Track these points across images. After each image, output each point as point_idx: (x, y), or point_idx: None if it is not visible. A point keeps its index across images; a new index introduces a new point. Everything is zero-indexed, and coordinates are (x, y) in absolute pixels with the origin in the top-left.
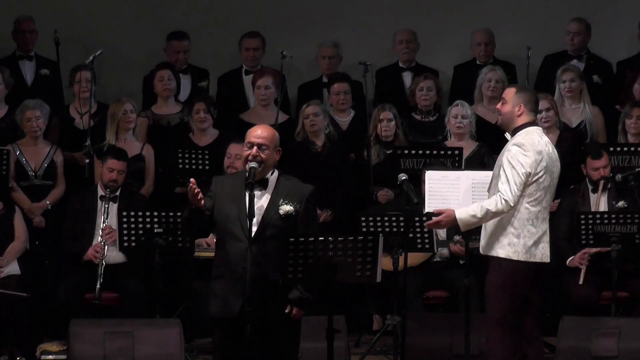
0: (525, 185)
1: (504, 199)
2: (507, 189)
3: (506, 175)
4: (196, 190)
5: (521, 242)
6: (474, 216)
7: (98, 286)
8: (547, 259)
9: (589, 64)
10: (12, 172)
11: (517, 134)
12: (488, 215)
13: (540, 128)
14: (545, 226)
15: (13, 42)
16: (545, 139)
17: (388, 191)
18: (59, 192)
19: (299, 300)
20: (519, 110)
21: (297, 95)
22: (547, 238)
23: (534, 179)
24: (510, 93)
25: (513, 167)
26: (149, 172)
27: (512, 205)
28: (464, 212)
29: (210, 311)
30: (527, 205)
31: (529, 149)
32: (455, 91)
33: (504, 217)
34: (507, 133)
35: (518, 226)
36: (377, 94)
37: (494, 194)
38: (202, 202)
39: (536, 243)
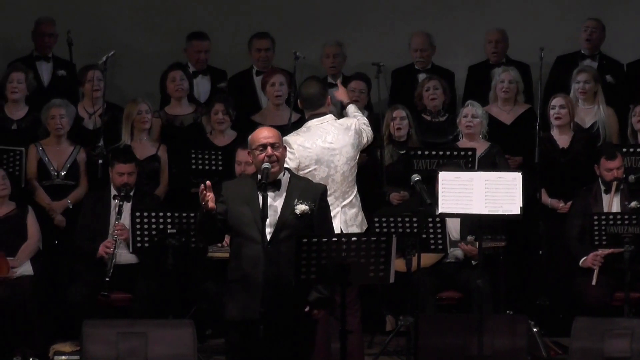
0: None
1: None
2: None
3: None
4: (206, 194)
5: None
6: None
7: (107, 279)
8: None
9: (602, 64)
10: (35, 171)
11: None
12: None
13: (325, 118)
14: (334, 211)
15: (31, 41)
16: (323, 130)
17: (404, 193)
18: (81, 192)
19: (318, 300)
20: (300, 105)
21: None
22: (336, 222)
23: (307, 171)
24: None
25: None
26: (164, 173)
27: None
28: None
29: (227, 314)
30: None
31: (292, 146)
32: (469, 92)
33: None
34: None
35: None
36: (392, 95)
37: None
38: (212, 204)
39: None
